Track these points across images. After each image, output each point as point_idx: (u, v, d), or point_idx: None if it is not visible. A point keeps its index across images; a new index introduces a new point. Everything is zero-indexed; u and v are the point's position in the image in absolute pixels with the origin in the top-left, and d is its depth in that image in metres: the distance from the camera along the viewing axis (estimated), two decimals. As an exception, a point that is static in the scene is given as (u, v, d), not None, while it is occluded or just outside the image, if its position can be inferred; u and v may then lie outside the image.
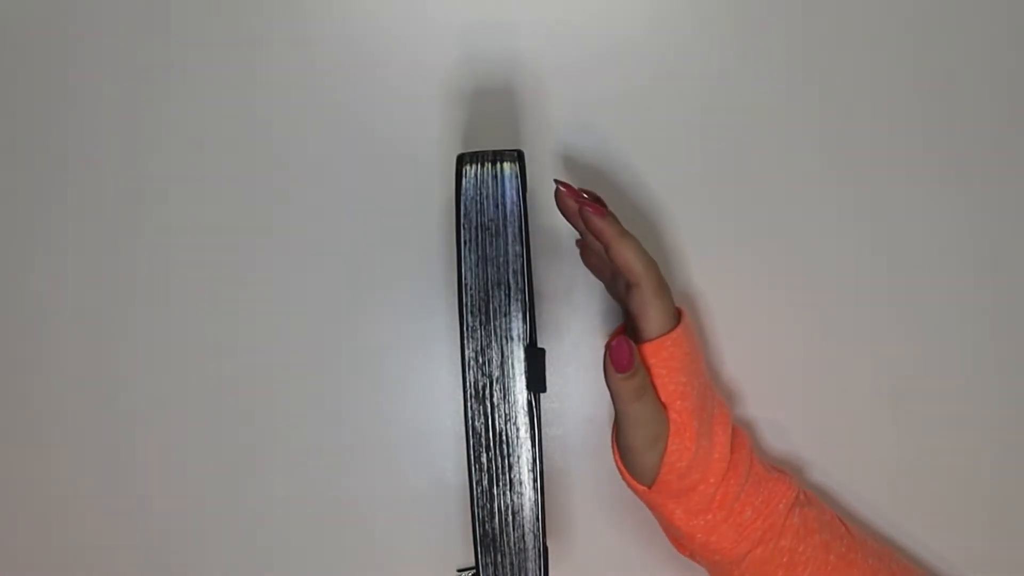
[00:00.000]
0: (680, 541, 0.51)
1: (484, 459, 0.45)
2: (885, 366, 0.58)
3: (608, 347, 0.46)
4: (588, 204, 0.48)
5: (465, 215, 0.45)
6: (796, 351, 0.58)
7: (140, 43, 0.59)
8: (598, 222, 0.47)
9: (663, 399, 0.47)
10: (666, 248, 0.58)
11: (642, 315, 0.47)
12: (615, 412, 0.48)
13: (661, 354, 0.47)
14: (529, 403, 0.45)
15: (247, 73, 0.59)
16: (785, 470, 0.52)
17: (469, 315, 0.45)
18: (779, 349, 0.58)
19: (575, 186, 0.49)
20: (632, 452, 0.48)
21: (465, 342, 0.45)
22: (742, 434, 0.51)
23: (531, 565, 0.46)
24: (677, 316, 0.49)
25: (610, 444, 0.51)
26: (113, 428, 0.59)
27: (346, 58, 0.59)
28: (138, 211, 0.59)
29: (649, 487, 0.48)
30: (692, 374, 0.48)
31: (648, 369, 0.47)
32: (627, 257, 0.47)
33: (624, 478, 0.50)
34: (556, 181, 0.50)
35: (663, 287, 0.48)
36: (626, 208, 0.58)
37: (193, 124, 0.59)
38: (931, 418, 0.58)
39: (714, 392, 0.51)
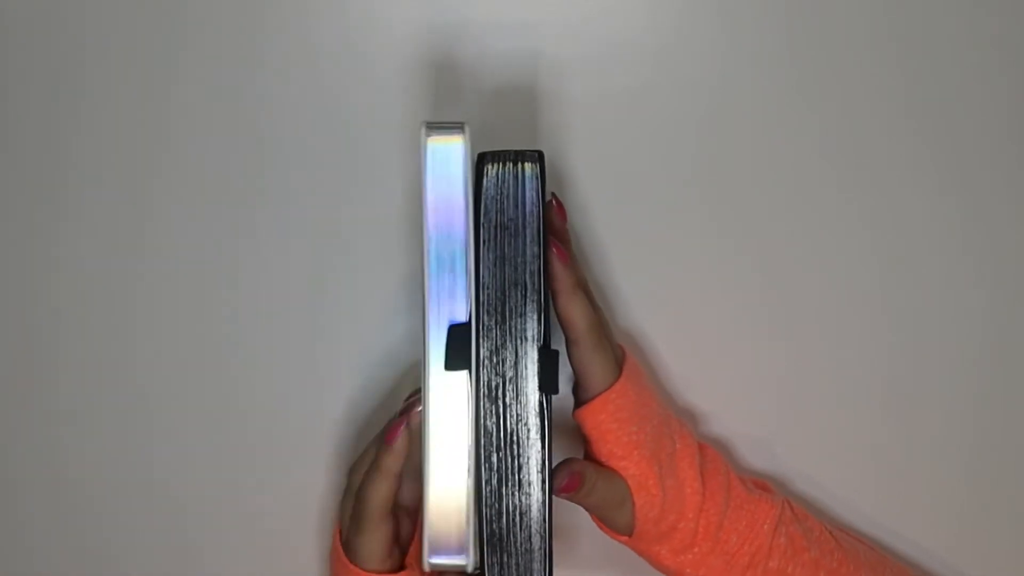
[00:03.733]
0: None
1: (494, 459, 0.45)
2: (869, 371, 0.58)
3: (553, 488, 0.46)
4: (556, 244, 0.47)
5: (485, 214, 0.45)
6: (772, 362, 0.58)
7: (128, 32, 0.58)
8: (559, 268, 0.47)
9: (618, 453, 0.48)
10: (663, 244, 0.58)
11: (583, 371, 0.48)
12: None
13: (608, 408, 0.48)
14: (541, 404, 0.45)
15: (248, 72, 0.58)
16: (768, 485, 0.53)
17: (485, 314, 0.45)
18: (754, 360, 0.58)
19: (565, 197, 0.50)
20: (604, 520, 0.50)
21: (480, 341, 0.45)
22: (714, 457, 0.51)
23: (536, 566, 0.46)
24: (619, 363, 0.49)
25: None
26: (113, 426, 0.59)
27: (346, 56, 0.58)
28: (132, 218, 0.58)
29: (630, 536, 0.49)
30: (643, 419, 0.49)
31: (597, 427, 0.48)
32: (572, 314, 0.47)
33: (604, 531, 0.51)
34: (553, 195, 0.50)
35: (602, 343, 0.48)
36: (623, 206, 0.58)
37: (194, 125, 0.58)
38: (918, 422, 0.58)
39: (671, 425, 0.51)
